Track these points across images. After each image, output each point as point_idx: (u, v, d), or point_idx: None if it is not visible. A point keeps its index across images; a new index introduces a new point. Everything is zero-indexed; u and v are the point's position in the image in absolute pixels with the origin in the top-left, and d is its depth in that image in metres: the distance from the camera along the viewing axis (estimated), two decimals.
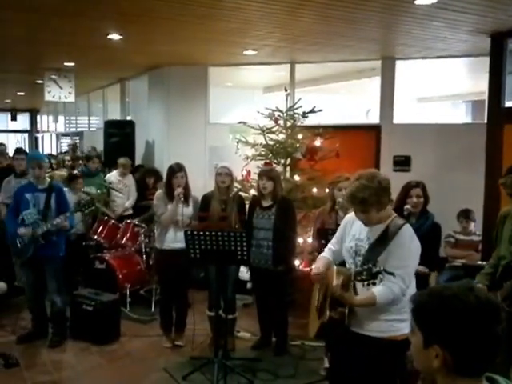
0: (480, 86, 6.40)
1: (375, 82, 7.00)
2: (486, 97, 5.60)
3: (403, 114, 7.28)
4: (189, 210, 4.55)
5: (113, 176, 6.92)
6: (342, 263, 2.83)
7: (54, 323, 4.71)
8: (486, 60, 5.50)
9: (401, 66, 6.83)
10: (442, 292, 1.26)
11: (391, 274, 2.45)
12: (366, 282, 2.48)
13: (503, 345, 1.25)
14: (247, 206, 4.64)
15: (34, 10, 4.84)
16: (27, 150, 15.43)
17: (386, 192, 2.55)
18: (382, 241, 2.55)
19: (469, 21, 4.90)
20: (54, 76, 8.44)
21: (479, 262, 4.70)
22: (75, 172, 6.55)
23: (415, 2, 4.31)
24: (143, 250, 5.82)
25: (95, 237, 6.00)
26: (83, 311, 4.70)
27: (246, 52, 6.52)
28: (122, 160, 6.92)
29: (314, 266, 2.79)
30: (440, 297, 1.25)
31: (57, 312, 4.66)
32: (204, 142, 7.73)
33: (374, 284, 2.50)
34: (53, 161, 9.50)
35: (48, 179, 4.73)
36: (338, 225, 3.97)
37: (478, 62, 6.22)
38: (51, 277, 4.56)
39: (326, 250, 2.94)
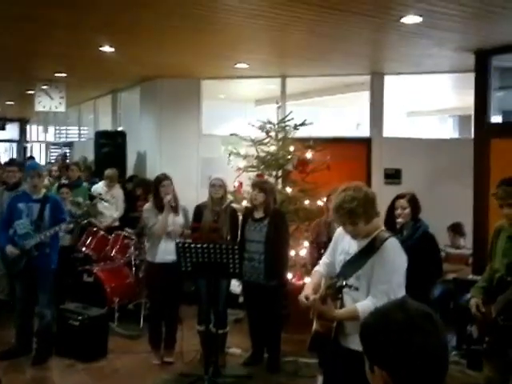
0: (466, 101, 6.50)
1: (365, 96, 7.08)
2: (472, 112, 5.69)
3: (393, 127, 7.37)
4: (179, 220, 4.53)
5: (99, 187, 6.86)
6: None
7: (39, 339, 4.57)
8: (472, 76, 5.61)
9: (390, 80, 6.93)
10: (374, 313, 1.26)
11: (355, 288, 2.45)
12: (333, 297, 2.48)
13: (492, 358, 1.24)
14: (240, 218, 4.65)
15: (26, 20, 4.83)
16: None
17: (372, 204, 2.54)
18: (364, 254, 2.53)
19: (453, 39, 5.01)
20: (44, 86, 8.39)
21: (470, 276, 4.74)
22: (62, 181, 6.48)
23: (401, 21, 4.39)
24: (133, 263, 5.75)
25: (83, 249, 5.91)
26: (69, 326, 4.57)
27: (237, 65, 6.57)
28: (108, 171, 6.84)
29: (300, 295, 2.72)
30: (372, 317, 1.24)
31: (44, 326, 4.54)
32: (196, 153, 7.73)
33: (339, 299, 2.50)
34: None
35: (44, 190, 4.68)
36: (331, 237, 4.00)
37: (464, 78, 6.33)
38: (43, 289, 4.47)
39: (320, 262, 2.93)
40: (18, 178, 5.42)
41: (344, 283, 2.41)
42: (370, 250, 2.53)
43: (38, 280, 4.46)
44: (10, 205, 4.54)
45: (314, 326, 2.64)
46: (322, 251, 4.28)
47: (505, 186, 3.18)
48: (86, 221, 4.62)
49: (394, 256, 2.52)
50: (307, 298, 2.64)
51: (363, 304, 2.48)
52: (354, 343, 2.58)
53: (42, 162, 14.07)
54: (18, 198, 4.56)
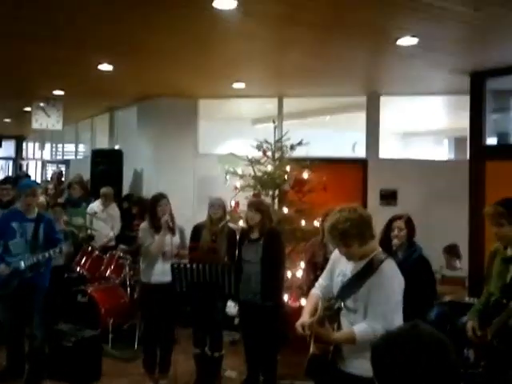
0: (462, 122, 6.57)
1: (361, 117, 7.14)
2: (467, 133, 5.73)
3: (389, 148, 7.41)
4: (176, 240, 4.49)
5: (95, 206, 6.81)
6: None
7: (31, 360, 4.45)
8: (467, 98, 5.66)
9: (386, 101, 6.99)
10: (385, 335, 1.26)
11: (353, 310, 2.42)
12: (330, 319, 2.45)
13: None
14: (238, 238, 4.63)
15: (24, 38, 4.86)
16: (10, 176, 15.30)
17: (367, 226, 2.52)
18: (361, 276, 2.51)
19: (449, 61, 5.08)
20: (42, 104, 8.41)
21: (466, 299, 4.71)
22: (59, 200, 6.43)
23: (398, 43, 4.45)
24: (127, 283, 5.68)
25: (78, 268, 5.84)
26: (62, 348, 4.47)
27: (234, 85, 6.62)
28: (103, 189, 6.80)
29: (298, 322, 2.68)
30: (383, 340, 1.24)
31: (36, 348, 4.44)
32: (193, 172, 7.73)
33: (335, 320, 2.47)
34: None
35: (36, 209, 4.62)
36: (326, 258, 3.97)
37: (459, 100, 6.40)
38: (36, 309, 4.38)
39: (316, 284, 2.91)
40: (12, 196, 5.35)
41: (342, 305, 2.39)
42: (367, 271, 2.50)
43: (30, 300, 4.37)
44: (2, 223, 4.43)
45: (311, 349, 2.61)
46: (318, 272, 4.27)
47: (496, 205, 3.21)
48: (89, 242, 4.55)
49: (392, 278, 2.50)
50: (303, 327, 2.60)
51: (360, 327, 2.45)
52: (352, 367, 2.56)
53: (38, 180, 14.02)
54: (11, 217, 4.47)
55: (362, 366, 2.51)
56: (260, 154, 5.92)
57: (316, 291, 2.85)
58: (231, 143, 8.03)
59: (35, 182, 8.68)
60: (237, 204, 5.93)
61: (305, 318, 2.67)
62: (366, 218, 2.53)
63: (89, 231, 5.48)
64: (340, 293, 2.55)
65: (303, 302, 4.84)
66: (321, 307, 2.60)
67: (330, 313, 2.42)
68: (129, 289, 5.67)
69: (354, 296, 2.50)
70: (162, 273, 4.37)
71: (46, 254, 4.27)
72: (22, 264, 4.27)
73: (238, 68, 5.78)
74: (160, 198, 4.47)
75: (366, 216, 2.54)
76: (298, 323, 2.64)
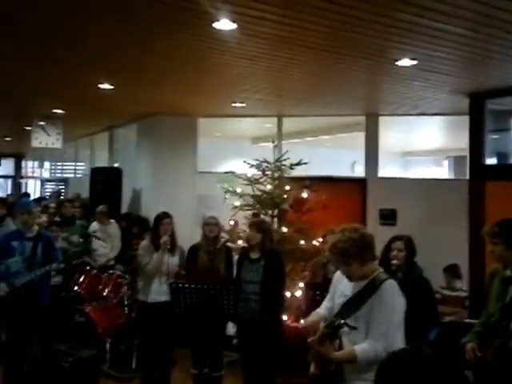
0: (461, 142, 6.60)
1: (360, 136, 7.17)
2: (467, 153, 5.75)
3: (388, 167, 7.42)
4: (175, 260, 4.47)
5: (95, 225, 6.75)
6: None
7: (29, 380, 4.42)
8: (467, 118, 5.69)
9: (385, 121, 7.04)
10: (388, 357, 1.30)
11: (354, 328, 2.41)
12: (330, 337, 2.43)
13: None
14: (236, 257, 4.59)
15: (25, 59, 4.90)
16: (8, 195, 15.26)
17: (368, 246, 2.54)
18: (362, 295, 2.51)
19: (448, 82, 5.12)
20: (42, 123, 8.42)
21: (467, 320, 4.66)
22: (55, 219, 6.41)
23: (397, 63, 4.49)
24: (125, 302, 5.61)
25: (75, 287, 5.79)
26: (59, 367, 4.44)
27: (234, 104, 6.66)
28: (99, 208, 6.75)
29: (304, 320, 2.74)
30: (386, 361, 1.27)
31: (33, 367, 4.41)
32: (192, 190, 7.72)
33: (336, 339, 2.46)
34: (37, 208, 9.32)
35: (36, 227, 4.63)
36: (326, 277, 3.95)
37: (458, 119, 6.45)
38: (31, 328, 4.36)
39: (321, 306, 2.92)
40: (1, 214, 5.36)
41: (342, 322, 2.37)
42: (368, 291, 2.51)
43: (26, 319, 4.35)
44: (2, 242, 4.49)
45: (312, 369, 2.57)
46: (318, 292, 4.23)
47: (492, 225, 3.25)
48: (78, 260, 4.52)
49: (393, 298, 2.50)
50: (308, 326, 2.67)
51: (361, 347, 2.44)
52: None
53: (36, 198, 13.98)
54: (11, 236, 4.54)
55: None
56: (259, 173, 5.92)
57: (320, 310, 2.86)
58: (230, 162, 8.04)
59: (35, 200, 8.65)
60: (236, 223, 5.91)
61: (309, 318, 2.74)
62: (368, 239, 2.55)
63: (79, 248, 5.45)
64: (341, 311, 2.54)
65: (302, 322, 4.80)
66: (322, 326, 2.59)
67: (330, 330, 2.39)
68: (126, 308, 5.61)
69: (355, 315, 2.49)
70: (158, 292, 4.36)
71: (38, 272, 4.27)
72: (19, 281, 4.26)
73: (237, 88, 5.82)
74: (164, 217, 4.47)
75: (367, 236, 2.56)
76: (304, 321, 2.71)
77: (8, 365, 4.49)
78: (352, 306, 2.52)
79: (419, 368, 1.20)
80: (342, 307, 2.56)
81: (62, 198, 10.70)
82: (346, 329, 2.42)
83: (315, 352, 2.50)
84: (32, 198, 12.80)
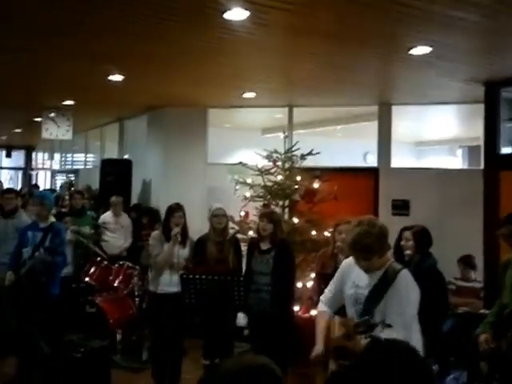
0: (476, 131, 6.49)
1: (373, 126, 7.08)
2: (481, 142, 5.66)
3: (401, 157, 7.34)
4: (185, 252, 4.45)
5: (108, 216, 6.78)
6: (342, 308, 2.78)
7: (40, 370, 4.44)
8: (481, 106, 5.60)
9: (398, 110, 6.94)
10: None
11: (388, 326, 2.40)
12: (364, 335, 2.42)
13: None
14: (244, 249, 4.57)
15: (35, 50, 4.90)
16: (20, 187, 15.41)
17: (386, 238, 2.58)
18: (380, 288, 2.53)
19: (463, 70, 5.03)
20: (52, 114, 8.44)
21: (482, 311, 4.62)
22: (62, 210, 6.45)
23: (410, 52, 4.41)
24: (136, 293, 5.64)
25: (86, 279, 5.82)
26: (71, 358, 4.43)
27: (244, 95, 6.61)
28: (113, 199, 6.73)
29: (313, 350, 2.68)
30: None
31: (44, 358, 4.44)
32: (202, 182, 7.70)
33: (371, 337, 2.41)
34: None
35: (52, 219, 4.67)
36: (337, 268, 3.92)
37: (473, 108, 6.34)
38: (35, 320, 4.41)
39: (322, 298, 2.89)
40: (15, 205, 5.42)
41: (377, 321, 2.38)
42: (385, 283, 2.53)
43: (30, 310, 4.40)
44: (21, 232, 4.67)
45: (330, 366, 2.55)
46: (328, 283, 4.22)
47: (509, 225, 3.20)
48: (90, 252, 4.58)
49: (408, 288, 2.53)
50: (319, 359, 2.63)
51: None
52: None
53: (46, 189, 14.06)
54: (28, 226, 4.70)
55: None
56: (270, 163, 5.88)
57: (324, 308, 2.84)
58: (241, 153, 8.00)
59: (50, 191, 8.70)
60: (246, 214, 5.88)
61: (319, 346, 2.67)
62: (385, 231, 2.57)
63: (89, 243, 5.50)
64: (367, 307, 2.53)
65: (313, 312, 4.79)
66: (341, 323, 2.59)
67: (364, 329, 2.39)
68: (137, 299, 5.64)
69: (378, 308, 2.51)
70: (168, 283, 4.36)
71: (33, 260, 4.38)
72: (22, 271, 4.40)
73: (248, 78, 5.77)
74: (176, 209, 4.44)
75: (384, 228, 2.58)
76: (313, 355, 2.65)
77: (20, 356, 4.54)
78: (373, 299, 2.53)
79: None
80: (366, 302, 2.55)
81: (73, 189, 10.75)
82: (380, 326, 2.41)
83: (339, 348, 2.49)
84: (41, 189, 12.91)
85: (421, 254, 3.78)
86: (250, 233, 5.32)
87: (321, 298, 2.88)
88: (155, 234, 4.57)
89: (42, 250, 4.37)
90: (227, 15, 3.65)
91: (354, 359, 2.48)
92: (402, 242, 3.78)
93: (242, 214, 5.89)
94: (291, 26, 3.89)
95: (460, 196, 6.23)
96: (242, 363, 1.16)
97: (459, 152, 9.05)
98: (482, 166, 5.70)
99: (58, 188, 12.96)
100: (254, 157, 5.98)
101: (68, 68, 5.58)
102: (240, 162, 6.17)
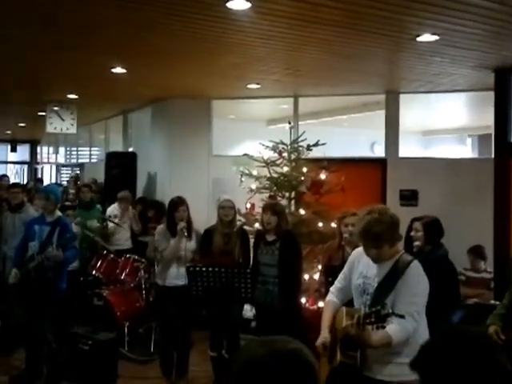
0: (486, 119, 6.39)
1: (380, 116, 7.00)
2: (492, 131, 5.58)
3: (409, 147, 7.26)
4: (192, 245, 4.44)
5: (115, 209, 6.75)
6: (351, 301, 2.75)
7: (48, 363, 4.50)
8: (492, 94, 5.50)
9: (406, 99, 6.85)
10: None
11: (401, 316, 2.38)
12: (375, 326, 2.39)
13: None
14: (252, 241, 4.53)
15: (38, 44, 4.87)
16: (25, 181, 15.45)
17: (397, 227, 2.55)
18: (391, 279, 2.52)
19: (472, 57, 4.93)
20: (56, 108, 8.43)
21: (492, 302, 4.56)
22: (67, 203, 6.45)
23: (418, 39, 4.33)
24: (143, 286, 5.66)
25: (93, 272, 5.83)
26: (79, 350, 4.51)
27: (249, 86, 6.54)
28: (122, 193, 6.69)
29: (318, 340, 2.66)
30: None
31: (51, 352, 4.47)
32: (207, 174, 7.67)
33: (384, 327, 2.40)
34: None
35: (59, 213, 4.64)
36: (345, 261, 3.89)
37: (483, 96, 6.25)
38: (46, 317, 4.39)
39: (331, 289, 2.87)
40: (21, 200, 5.47)
41: (390, 311, 2.34)
42: (395, 274, 2.51)
43: (42, 307, 4.38)
44: (28, 226, 4.62)
45: (338, 357, 2.54)
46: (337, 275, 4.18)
47: None
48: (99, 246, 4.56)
49: (418, 279, 2.53)
50: (325, 347, 2.60)
51: (394, 329, 2.43)
52: (379, 373, 2.55)
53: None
54: (35, 220, 4.65)
55: (390, 371, 2.53)
56: (276, 155, 5.82)
57: (332, 298, 2.82)
58: (246, 144, 7.94)
59: (57, 185, 8.68)
60: (252, 206, 5.84)
61: (325, 334, 2.65)
62: (396, 220, 2.55)
63: (96, 237, 5.49)
64: (376, 297, 2.52)
65: (321, 304, 4.76)
66: (349, 312, 2.57)
67: (375, 319, 2.35)
68: (144, 292, 5.64)
69: (388, 298, 2.49)
70: (176, 276, 4.35)
71: (44, 256, 4.29)
72: (30, 265, 4.34)
73: (252, 68, 5.70)
74: (178, 202, 4.41)
75: (395, 218, 2.55)
76: (319, 342, 2.63)
77: (28, 348, 4.57)
78: (384, 289, 2.51)
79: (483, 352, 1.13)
80: (376, 292, 2.53)
81: (79, 183, 10.74)
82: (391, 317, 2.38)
83: (347, 339, 2.47)
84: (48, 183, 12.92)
85: (432, 245, 3.73)
86: (256, 225, 5.28)
87: (330, 289, 2.88)
88: (160, 229, 4.55)
89: (53, 247, 4.30)
90: (230, 4, 3.58)
91: (362, 350, 2.48)
92: (412, 233, 3.75)
93: (248, 206, 5.84)
94: (295, 15, 3.82)
95: (470, 186, 6.16)
96: (271, 347, 1.05)
97: (468, 141, 8.94)
98: (492, 155, 5.60)
99: (64, 182, 12.99)
100: (259, 148, 5.92)
101: (71, 61, 5.54)
102: (245, 154, 6.11)
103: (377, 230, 2.46)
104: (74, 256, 4.68)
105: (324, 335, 2.65)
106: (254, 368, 1.02)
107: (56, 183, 12.79)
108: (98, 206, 6.92)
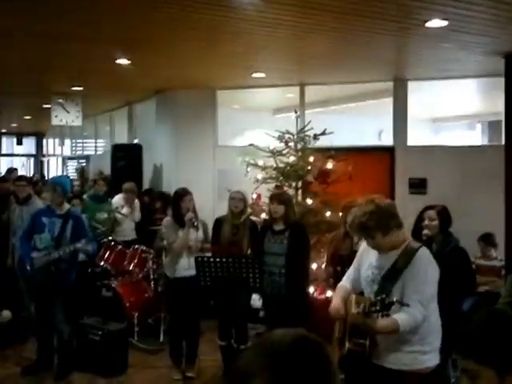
0: (496, 106, 6.29)
1: (388, 103, 6.91)
2: (502, 117, 5.50)
3: (417, 135, 7.18)
4: (199, 234, 4.44)
5: (120, 200, 6.73)
6: (362, 292, 2.73)
7: (60, 354, 4.54)
8: (502, 80, 5.42)
9: (414, 86, 6.76)
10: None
11: (406, 305, 2.37)
12: (380, 314, 2.39)
13: None
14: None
15: (42, 35, 4.84)
16: (31, 173, 15.50)
17: (388, 215, 2.51)
18: (398, 267, 2.50)
19: (482, 42, 4.85)
20: (61, 100, 8.42)
21: (503, 289, 4.51)
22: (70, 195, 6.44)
23: (426, 25, 4.25)
24: (151, 277, 5.67)
25: (102, 263, 5.84)
26: (90, 341, 4.54)
27: (254, 75, 6.48)
28: (127, 185, 6.66)
29: (331, 305, 2.68)
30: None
31: (63, 342, 4.52)
32: (213, 165, 7.64)
33: (388, 315, 2.40)
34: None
35: (67, 205, 4.63)
36: (352, 250, 3.86)
37: (493, 82, 6.15)
38: (59, 307, 4.42)
39: (344, 278, 2.86)
40: (28, 193, 5.50)
41: (394, 299, 2.34)
42: (403, 262, 2.50)
43: (54, 297, 4.40)
44: (34, 217, 4.56)
45: (347, 344, 2.52)
46: (346, 264, 4.15)
47: None
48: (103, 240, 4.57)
49: (427, 266, 2.50)
50: (339, 310, 2.62)
51: (402, 316, 2.42)
52: (388, 361, 2.54)
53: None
54: (42, 212, 4.61)
55: (401, 360, 2.52)
56: (282, 144, 5.77)
57: (345, 284, 2.82)
58: (251, 134, 7.89)
59: (64, 178, 8.67)
60: (259, 196, 5.81)
61: (337, 302, 2.67)
62: (385, 208, 2.52)
63: (105, 227, 5.48)
64: (382, 285, 2.51)
65: (329, 294, 4.75)
66: (358, 300, 2.55)
67: (380, 307, 2.35)
68: (152, 282, 5.66)
69: (396, 287, 2.47)
70: (185, 267, 4.35)
71: (67, 249, 4.28)
72: (47, 259, 4.30)
73: (257, 57, 5.64)
74: (184, 193, 4.41)
75: (384, 206, 2.52)
76: (333, 308, 2.64)
77: (40, 338, 4.60)
78: (390, 278, 2.49)
79: None
80: (383, 281, 2.52)
81: (86, 176, 10.76)
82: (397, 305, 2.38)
83: (355, 326, 2.46)
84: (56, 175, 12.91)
85: (443, 235, 3.67)
86: (263, 215, 5.25)
87: (343, 277, 2.87)
88: (166, 221, 4.54)
89: (83, 241, 4.27)
90: None
91: (369, 337, 2.46)
92: (426, 222, 3.62)
93: (254, 196, 5.81)
94: (302, 2, 3.75)
95: (480, 173, 6.09)
96: (296, 335, 1.06)
97: (478, 128, 8.81)
98: (502, 142, 5.53)
99: (70, 175, 13.00)
100: (265, 138, 5.87)
101: (75, 53, 5.51)
102: (251, 144, 6.07)
103: (360, 221, 2.48)
104: (96, 249, 4.70)
105: (337, 302, 2.66)
106: (278, 352, 1.01)
107: (65, 176, 12.81)
108: (110, 200, 6.91)
